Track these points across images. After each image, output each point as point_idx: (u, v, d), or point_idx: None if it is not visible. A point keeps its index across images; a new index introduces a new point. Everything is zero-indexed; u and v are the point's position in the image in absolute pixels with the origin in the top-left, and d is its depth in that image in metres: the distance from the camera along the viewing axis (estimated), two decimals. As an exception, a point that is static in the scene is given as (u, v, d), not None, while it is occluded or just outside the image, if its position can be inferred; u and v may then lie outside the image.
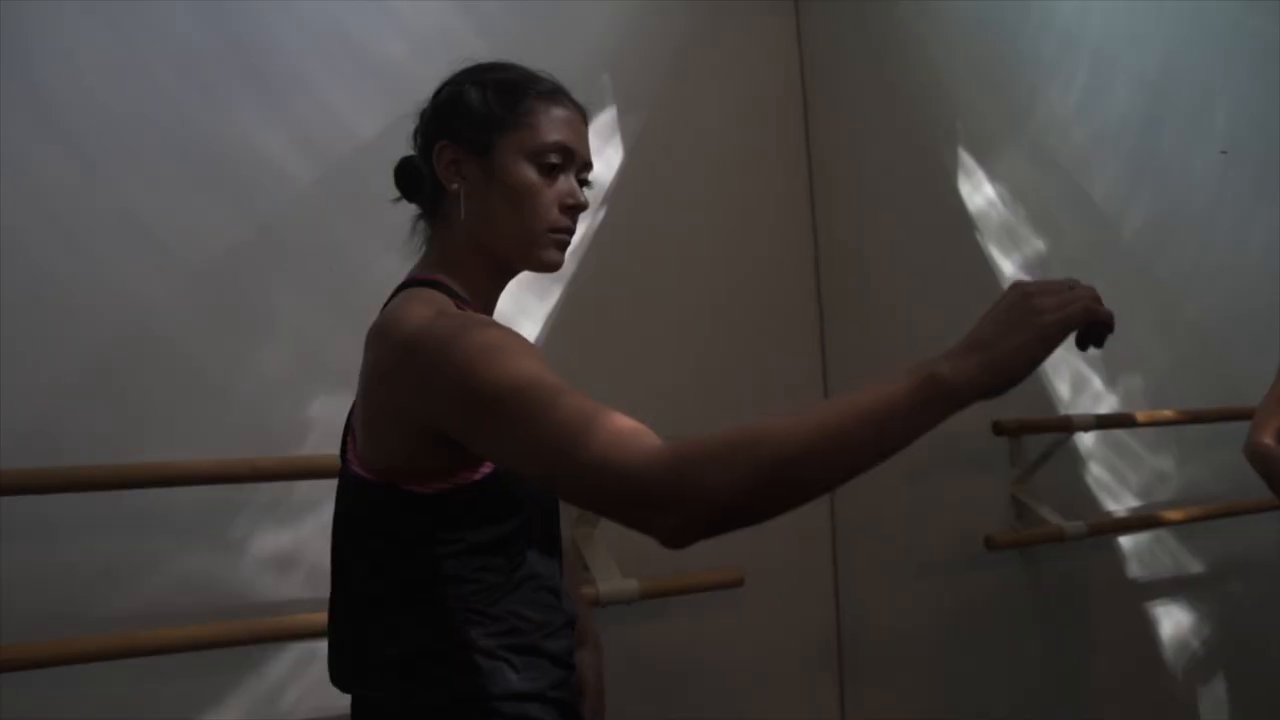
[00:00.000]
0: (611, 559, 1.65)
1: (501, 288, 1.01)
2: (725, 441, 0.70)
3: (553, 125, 0.95)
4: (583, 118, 1.00)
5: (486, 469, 0.88)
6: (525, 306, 1.80)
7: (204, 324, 1.55)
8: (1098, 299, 0.73)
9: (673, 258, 1.94)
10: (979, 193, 1.94)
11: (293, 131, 1.63)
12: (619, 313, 1.88)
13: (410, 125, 1.01)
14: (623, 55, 1.93)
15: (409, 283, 0.96)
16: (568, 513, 1.72)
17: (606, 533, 1.71)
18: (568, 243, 0.98)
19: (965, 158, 1.99)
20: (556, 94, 0.98)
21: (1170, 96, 1.60)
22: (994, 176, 1.93)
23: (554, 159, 0.94)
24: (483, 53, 1.77)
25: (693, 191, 1.97)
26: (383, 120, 1.67)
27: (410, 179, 0.98)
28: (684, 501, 0.69)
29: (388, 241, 1.02)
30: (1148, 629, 1.64)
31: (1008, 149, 1.96)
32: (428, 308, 0.87)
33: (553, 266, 0.97)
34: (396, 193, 1.01)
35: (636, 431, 0.73)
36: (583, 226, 1.82)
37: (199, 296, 1.55)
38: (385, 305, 0.94)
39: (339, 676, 0.94)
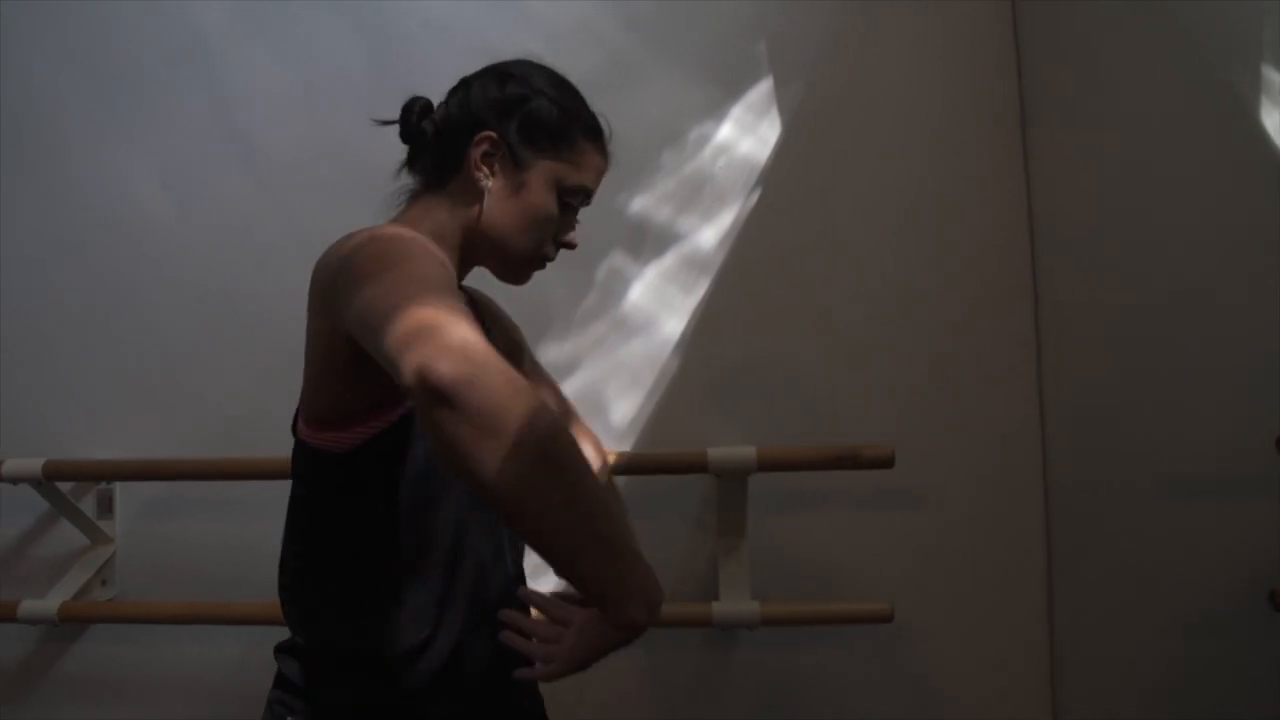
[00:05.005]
0: (746, 578, 1.54)
1: (465, 274, 1.02)
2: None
3: (590, 170, 0.97)
4: (608, 164, 1.01)
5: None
6: (669, 299, 1.73)
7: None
8: None
9: (840, 244, 1.72)
10: (1300, 125, 1.45)
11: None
12: (775, 308, 1.71)
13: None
14: (779, 19, 1.74)
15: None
16: (711, 522, 1.64)
17: (754, 543, 1.60)
18: (541, 270, 1.02)
19: (1277, 79, 1.50)
20: (601, 139, 0.99)
21: None
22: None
23: (575, 200, 0.97)
24: (627, 41, 1.74)
25: (865, 167, 1.72)
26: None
27: (416, 131, 0.97)
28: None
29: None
30: None
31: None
32: (391, 229, 0.85)
33: (519, 283, 1.01)
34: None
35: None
36: (732, 211, 1.72)
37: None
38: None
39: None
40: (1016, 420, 1.67)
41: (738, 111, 1.74)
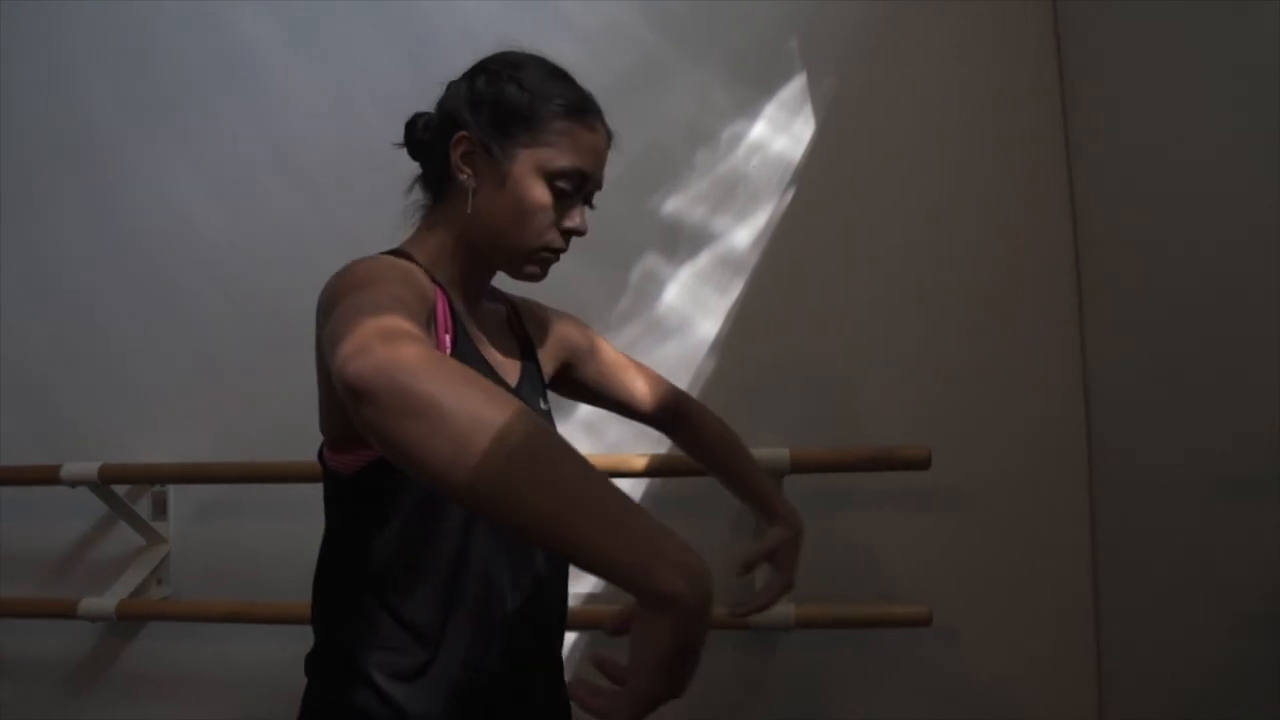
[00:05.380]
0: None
1: (484, 279, 1.00)
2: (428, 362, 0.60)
3: (577, 150, 0.92)
4: (608, 140, 0.97)
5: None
6: (703, 301, 1.72)
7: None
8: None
9: (876, 242, 1.69)
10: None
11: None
12: (810, 307, 1.70)
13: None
14: (810, 15, 1.72)
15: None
16: (747, 524, 1.63)
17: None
18: (556, 260, 0.97)
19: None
20: (589, 114, 0.94)
21: None
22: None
23: (568, 184, 0.92)
24: (658, 41, 1.74)
25: (902, 163, 1.69)
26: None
27: (419, 146, 0.98)
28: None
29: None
30: None
31: None
32: (355, 262, 0.85)
33: (533, 280, 0.97)
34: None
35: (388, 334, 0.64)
36: (767, 210, 1.71)
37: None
38: None
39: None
40: (1059, 419, 1.63)
41: (770, 109, 1.73)
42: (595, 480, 0.57)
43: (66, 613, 1.71)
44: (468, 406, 0.57)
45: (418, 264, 0.92)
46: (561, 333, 1.13)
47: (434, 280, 0.91)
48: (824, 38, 1.72)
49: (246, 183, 1.86)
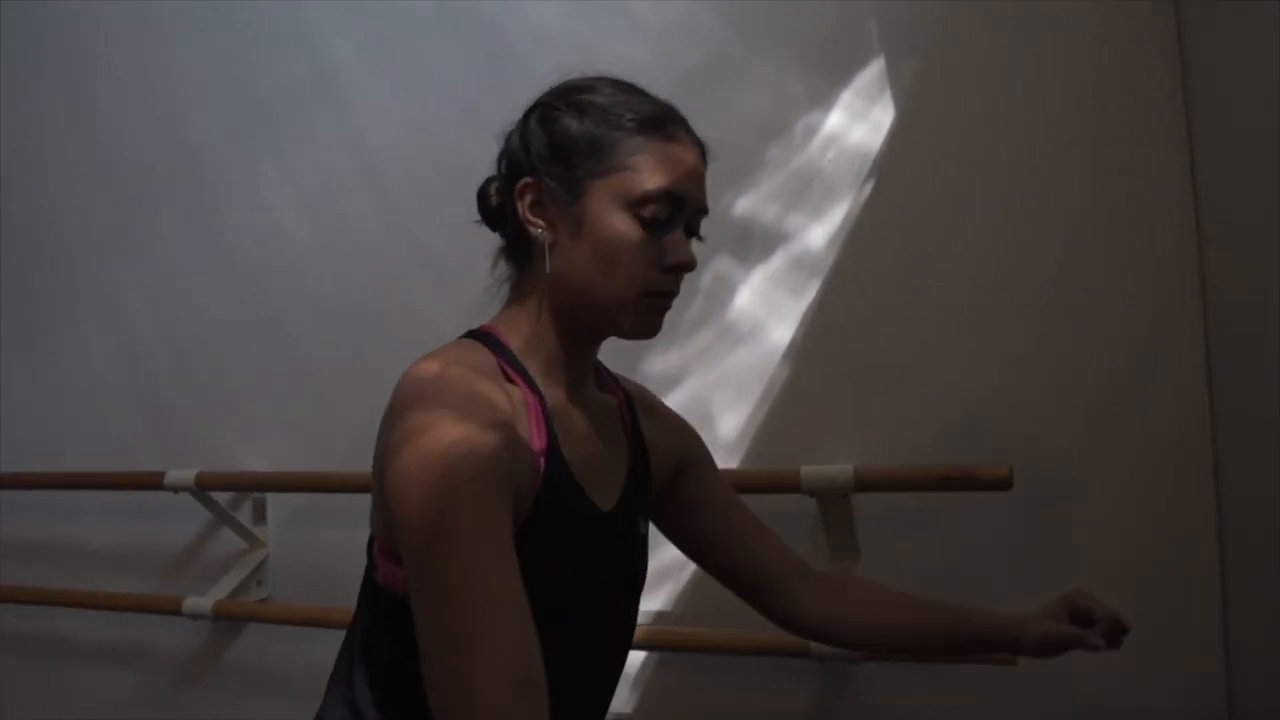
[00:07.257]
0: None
1: (587, 354, 0.87)
2: None
3: (660, 167, 0.78)
4: (700, 154, 0.83)
5: None
6: (777, 305, 1.62)
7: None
8: None
9: (963, 241, 1.52)
10: None
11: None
12: (891, 310, 1.55)
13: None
14: (890, -8, 1.59)
15: (471, 331, 0.86)
16: (823, 545, 1.51)
17: (873, 568, 1.46)
18: (668, 307, 0.83)
19: None
20: (668, 125, 0.81)
21: None
22: None
23: (658, 211, 0.78)
24: (728, 31, 1.66)
25: (993, 153, 1.51)
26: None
27: (489, 211, 0.87)
28: None
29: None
30: None
31: None
32: (436, 366, 0.76)
33: (645, 334, 0.83)
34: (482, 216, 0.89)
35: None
36: (844, 206, 1.59)
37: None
38: None
39: None
40: (1176, 435, 1.40)
41: (847, 97, 1.60)
42: None
43: (173, 609, 1.82)
44: None
45: (506, 349, 0.81)
46: (680, 434, 0.99)
47: (524, 377, 0.80)
48: (905, 17, 1.58)
49: (332, 199, 1.92)
